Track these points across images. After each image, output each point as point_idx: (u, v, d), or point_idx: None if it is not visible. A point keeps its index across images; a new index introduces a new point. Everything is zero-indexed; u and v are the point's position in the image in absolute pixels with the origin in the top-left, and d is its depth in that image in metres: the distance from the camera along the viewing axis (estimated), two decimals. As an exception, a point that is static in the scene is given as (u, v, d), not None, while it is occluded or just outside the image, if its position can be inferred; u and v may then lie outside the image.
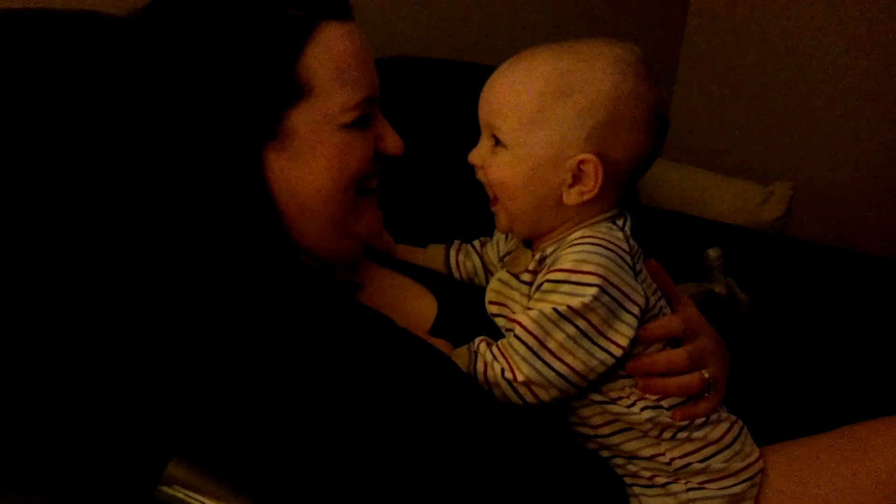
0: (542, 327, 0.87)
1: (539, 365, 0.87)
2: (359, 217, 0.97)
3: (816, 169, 2.67)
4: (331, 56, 0.90)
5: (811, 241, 2.03)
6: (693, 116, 2.76)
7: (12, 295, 0.92)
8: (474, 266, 1.12)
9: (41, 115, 0.97)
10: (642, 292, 0.91)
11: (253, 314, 0.85)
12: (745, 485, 0.94)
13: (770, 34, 2.72)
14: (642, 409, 0.91)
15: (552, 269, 0.90)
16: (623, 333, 0.89)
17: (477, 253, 1.13)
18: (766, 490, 0.96)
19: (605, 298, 0.87)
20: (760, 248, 1.91)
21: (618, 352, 0.88)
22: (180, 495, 0.81)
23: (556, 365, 0.87)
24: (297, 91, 0.89)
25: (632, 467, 0.94)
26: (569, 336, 0.86)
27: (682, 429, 0.93)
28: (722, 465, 0.93)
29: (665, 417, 0.92)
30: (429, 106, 1.52)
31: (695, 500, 0.93)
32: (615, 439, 0.93)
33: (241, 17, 0.88)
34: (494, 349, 0.89)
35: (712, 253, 1.39)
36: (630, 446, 0.93)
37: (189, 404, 0.86)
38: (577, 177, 0.91)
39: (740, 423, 0.98)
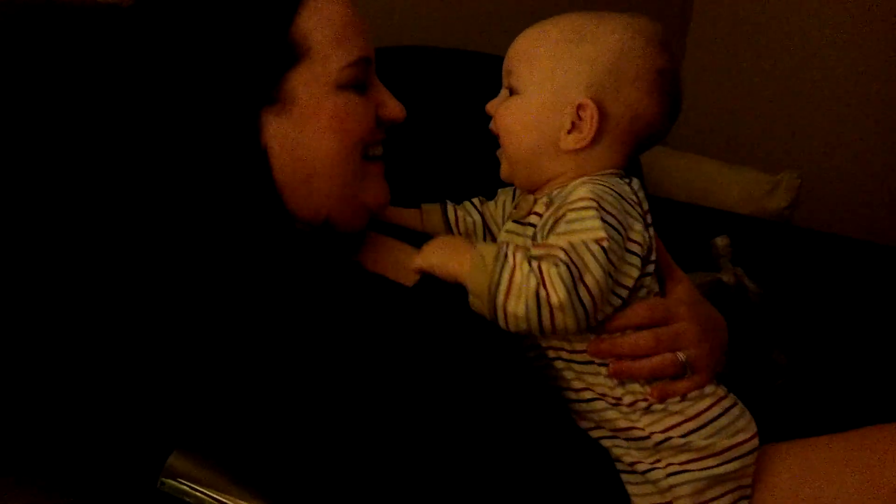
0: (581, 257, 0.85)
1: (573, 295, 0.84)
2: (365, 185, 0.98)
3: (824, 158, 2.66)
4: (324, 18, 0.92)
5: (819, 230, 2.02)
6: (700, 106, 2.74)
7: (11, 276, 0.91)
8: (474, 222, 1.11)
9: (30, 81, 0.96)
10: (644, 234, 0.90)
11: (249, 296, 0.85)
12: (732, 464, 0.91)
13: (777, 23, 2.70)
14: (608, 376, 0.91)
15: (571, 199, 0.89)
16: (629, 275, 0.89)
17: (477, 210, 1.12)
18: (779, 491, 0.95)
19: (614, 234, 0.86)
20: (768, 238, 1.90)
21: (624, 293, 0.90)
22: (183, 487, 0.81)
23: (587, 300, 0.85)
24: (293, 53, 0.90)
25: (616, 450, 0.93)
26: (603, 272, 0.85)
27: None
28: (704, 442, 0.91)
29: (637, 387, 0.91)
30: (432, 95, 1.52)
31: (675, 485, 0.91)
32: (596, 405, 0.93)
33: None
34: (535, 264, 0.86)
35: (720, 242, 1.38)
36: (608, 415, 0.92)
37: (188, 394, 0.86)
38: (575, 123, 0.94)
39: (732, 399, 0.95)
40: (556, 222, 0.89)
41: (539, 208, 0.95)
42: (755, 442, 0.93)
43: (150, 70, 0.90)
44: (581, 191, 0.90)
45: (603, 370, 0.92)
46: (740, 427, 0.94)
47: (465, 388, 0.87)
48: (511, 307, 0.85)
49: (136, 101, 0.91)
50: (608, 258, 0.85)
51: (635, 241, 0.90)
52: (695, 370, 0.93)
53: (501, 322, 0.86)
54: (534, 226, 0.94)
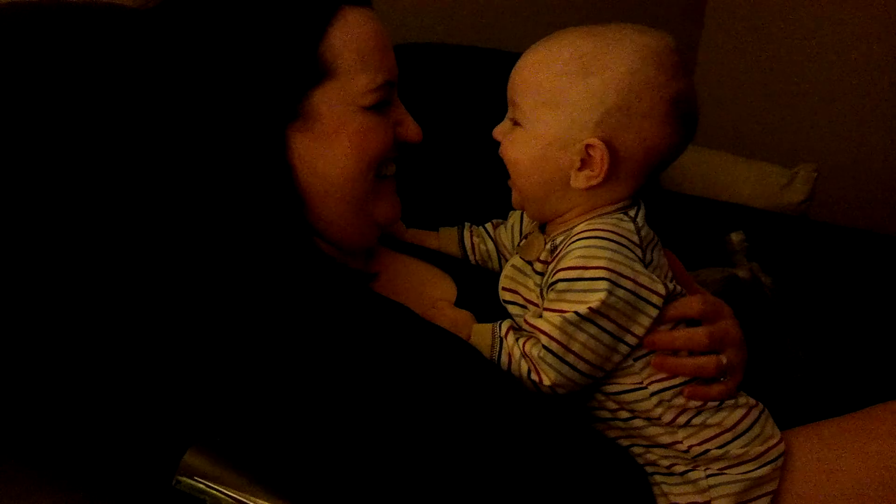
0: (565, 332, 0.87)
1: (565, 370, 0.88)
2: (377, 202, 0.98)
3: (840, 151, 2.65)
4: (353, 38, 0.92)
5: (835, 223, 2.01)
6: (715, 99, 2.74)
7: (32, 275, 0.92)
8: (488, 250, 1.13)
9: (63, 95, 0.97)
10: (661, 282, 0.90)
11: (268, 302, 0.85)
12: (766, 468, 0.93)
13: (792, 15, 2.69)
14: (651, 395, 0.91)
15: (562, 267, 0.89)
16: (643, 325, 0.89)
17: (490, 237, 1.13)
18: (793, 470, 0.95)
19: (621, 292, 0.87)
20: (784, 232, 1.89)
21: (634, 342, 0.89)
22: (199, 485, 0.81)
23: (581, 366, 0.88)
24: (320, 71, 0.90)
25: (651, 455, 0.94)
26: (591, 336, 0.87)
27: (695, 415, 0.92)
28: (740, 451, 0.92)
29: (678, 400, 0.91)
30: (441, 92, 1.52)
31: (714, 486, 0.92)
32: (634, 423, 0.93)
33: None
34: (522, 346, 0.89)
35: (735, 237, 1.38)
36: (648, 431, 0.93)
37: (204, 393, 0.87)
38: (586, 161, 0.91)
39: (760, 407, 0.97)
40: (550, 286, 0.90)
41: (545, 256, 0.94)
42: (781, 447, 0.95)
43: (179, 78, 0.90)
44: (576, 253, 0.89)
45: (639, 394, 0.92)
46: (769, 434, 0.95)
47: (481, 394, 0.88)
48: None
49: (163, 108, 0.91)
50: (597, 322, 0.87)
51: (646, 287, 0.89)
52: (731, 373, 0.94)
53: None
54: (540, 274, 0.94)
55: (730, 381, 0.94)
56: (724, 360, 0.93)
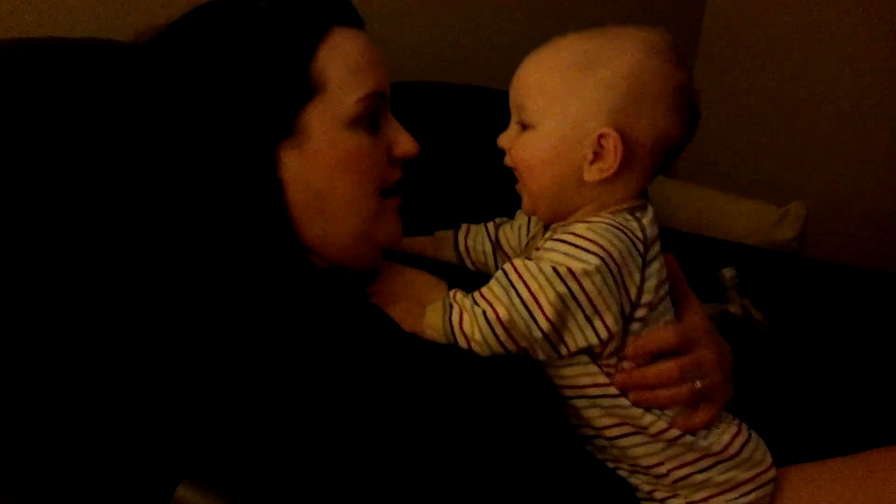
0: (535, 279, 0.85)
1: (523, 312, 0.85)
2: (380, 223, 0.98)
3: (831, 188, 2.67)
4: (342, 55, 0.93)
5: (827, 260, 2.02)
6: (707, 136, 2.75)
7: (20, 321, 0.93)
8: (485, 252, 1.11)
9: (59, 116, 0.99)
10: (638, 284, 0.89)
11: (255, 322, 0.85)
12: (751, 496, 0.93)
13: (784, 54, 2.72)
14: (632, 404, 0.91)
15: (563, 230, 0.89)
16: (616, 316, 0.87)
17: (489, 237, 1.11)
18: None
19: (607, 276, 0.85)
20: (776, 268, 1.90)
21: (604, 334, 0.87)
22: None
23: (540, 320, 0.85)
24: (310, 88, 0.91)
25: (634, 480, 0.94)
26: (559, 295, 0.84)
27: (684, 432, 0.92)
28: (723, 478, 0.92)
29: (668, 413, 0.91)
30: (438, 130, 1.53)
31: None
32: (621, 442, 0.92)
33: (259, 19, 0.91)
34: (475, 294, 0.88)
35: (727, 273, 1.38)
36: (633, 452, 0.92)
37: (197, 424, 0.86)
38: (598, 153, 0.91)
39: (747, 431, 0.96)
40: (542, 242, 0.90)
41: (542, 243, 0.92)
42: (772, 473, 0.95)
43: (172, 96, 0.91)
44: (574, 227, 0.88)
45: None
46: (757, 459, 0.95)
47: (469, 425, 0.86)
48: (477, 347, 0.87)
49: (156, 126, 0.92)
50: (569, 283, 0.84)
51: (626, 288, 0.88)
52: (710, 399, 0.94)
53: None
54: None
55: (711, 407, 0.94)
56: (699, 386, 0.93)
